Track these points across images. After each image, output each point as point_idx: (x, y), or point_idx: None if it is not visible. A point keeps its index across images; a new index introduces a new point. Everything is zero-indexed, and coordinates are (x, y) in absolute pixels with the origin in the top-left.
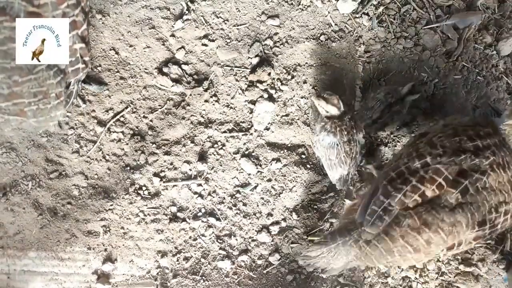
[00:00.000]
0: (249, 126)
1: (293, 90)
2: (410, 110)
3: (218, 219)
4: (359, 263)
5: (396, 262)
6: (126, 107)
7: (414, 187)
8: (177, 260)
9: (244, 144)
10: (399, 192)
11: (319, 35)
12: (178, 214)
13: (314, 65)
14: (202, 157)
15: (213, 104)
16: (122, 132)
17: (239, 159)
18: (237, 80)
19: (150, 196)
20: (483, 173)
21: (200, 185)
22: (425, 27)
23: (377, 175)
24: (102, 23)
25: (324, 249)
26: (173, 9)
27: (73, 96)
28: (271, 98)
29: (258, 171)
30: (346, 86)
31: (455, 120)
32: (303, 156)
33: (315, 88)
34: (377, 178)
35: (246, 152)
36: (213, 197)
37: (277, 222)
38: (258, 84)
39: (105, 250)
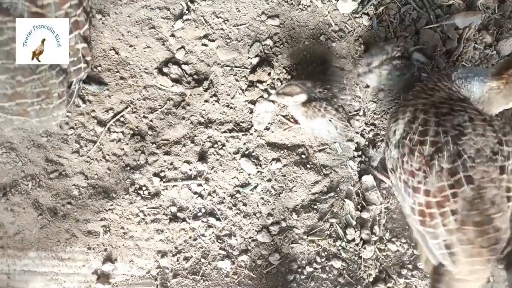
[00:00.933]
0: (249, 126)
1: None
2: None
3: (218, 219)
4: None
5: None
6: (126, 107)
7: (443, 214)
8: (177, 260)
9: (244, 144)
10: (438, 227)
11: (319, 35)
12: (178, 214)
13: (314, 65)
14: (202, 157)
15: (213, 104)
16: (122, 132)
17: (239, 159)
18: (237, 80)
19: (150, 196)
20: (459, 154)
21: (200, 185)
22: (425, 27)
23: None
24: (102, 23)
25: None
26: (173, 9)
27: (74, 95)
28: None
29: (258, 171)
30: (346, 86)
31: (399, 127)
32: (303, 156)
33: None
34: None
35: (246, 152)
36: (213, 197)
37: (277, 222)
38: (258, 84)
39: (105, 250)
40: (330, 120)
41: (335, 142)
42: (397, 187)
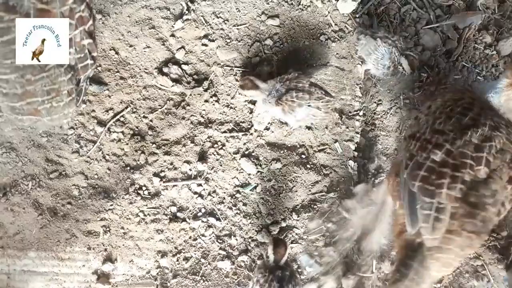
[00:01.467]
0: (249, 126)
1: None
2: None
3: (218, 219)
4: (441, 273)
5: (465, 255)
6: (126, 107)
7: (453, 177)
8: (177, 260)
9: (244, 144)
10: (442, 187)
11: (319, 35)
12: (178, 214)
13: (314, 65)
14: (202, 157)
15: (213, 104)
16: (122, 132)
17: (239, 159)
18: (237, 80)
19: (150, 196)
20: (490, 139)
21: (200, 185)
22: (425, 27)
23: (392, 181)
24: (102, 23)
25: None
26: (173, 9)
27: (82, 93)
28: None
29: (258, 171)
30: (346, 86)
31: (437, 102)
32: (303, 156)
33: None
34: (403, 183)
35: (246, 152)
36: (213, 197)
37: (277, 222)
38: None
39: (105, 250)
40: (309, 105)
41: (335, 142)
42: (407, 148)
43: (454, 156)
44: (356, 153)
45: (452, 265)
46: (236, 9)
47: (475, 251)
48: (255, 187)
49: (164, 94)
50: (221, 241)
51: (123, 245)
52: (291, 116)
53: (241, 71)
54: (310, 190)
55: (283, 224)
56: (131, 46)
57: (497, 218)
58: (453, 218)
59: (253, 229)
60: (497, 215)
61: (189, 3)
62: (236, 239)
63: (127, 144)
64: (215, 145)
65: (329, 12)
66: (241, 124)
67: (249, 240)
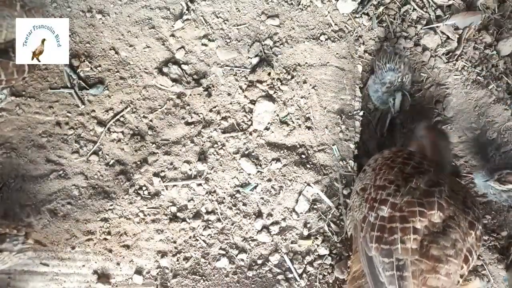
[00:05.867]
0: (249, 126)
1: (293, 90)
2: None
3: (218, 219)
4: None
5: None
6: (126, 107)
7: (403, 229)
8: (177, 260)
9: (244, 144)
10: (396, 243)
11: (319, 35)
12: (178, 214)
13: (314, 65)
14: (202, 157)
15: (213, 104)
16: (122, 132)
17: (239, 159)
18: (237, 80)
19: (150, 196)
20: (439, 184)
21: (200, 185)
22: (425, 27)
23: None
24: (102, 23)
25: None
26: (173, 9)
27: None
28: (271, 98)
29: (258, 171)
30: (346, 86)
31: (378, 160)
32: (303, 156)
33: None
34: (359, 247)
35: (246, 152)
36: (213, 197)
37: (277, 222)
38: (258, 84)
39: (105, 250)
40: None
41: (333, 145)
42: (360, 208)
43: (400, 208)
44: (356, 152)
45: None
46: (236, 9)
47: None
48: (255, 187)
49: (164, 94)
50: (221, 241)
51: (123, 245)
52: None
53: (240, 70)
54: (310, 190)
55: (283, 224)
56: (131, 46)
57: (465, 268)
58: (416, 275)
59: (253, 229)
60: (464, 265)
61: (189, 3)
62: (236, 239)
63: (127, 144)
64: (215, 145)
65: (329, 12)
66: (241, 124)
67: (249, 240)
